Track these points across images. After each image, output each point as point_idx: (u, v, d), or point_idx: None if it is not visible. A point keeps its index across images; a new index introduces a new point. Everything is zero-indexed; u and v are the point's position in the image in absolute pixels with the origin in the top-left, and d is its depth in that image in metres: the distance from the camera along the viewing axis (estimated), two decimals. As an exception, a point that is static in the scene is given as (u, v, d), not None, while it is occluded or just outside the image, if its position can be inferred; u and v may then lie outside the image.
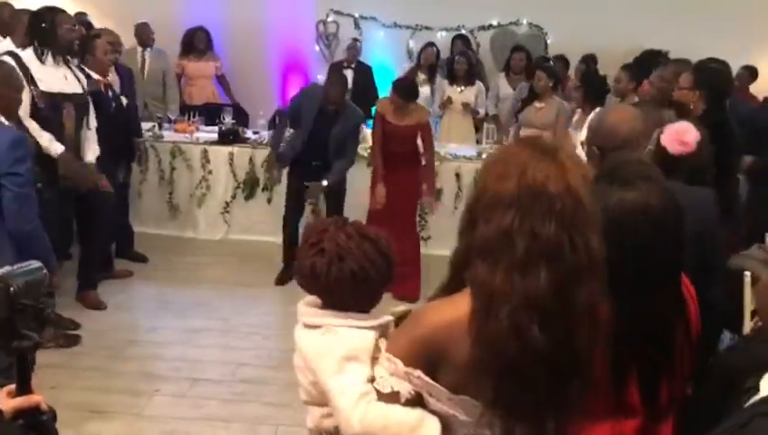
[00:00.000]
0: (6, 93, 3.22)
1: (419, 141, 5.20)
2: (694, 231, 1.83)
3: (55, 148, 4.12)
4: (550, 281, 1.27)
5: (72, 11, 7.14)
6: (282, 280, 5.18)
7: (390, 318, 1.56)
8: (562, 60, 7.12)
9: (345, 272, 1.51)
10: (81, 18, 6.83)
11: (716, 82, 3.73)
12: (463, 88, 6.73)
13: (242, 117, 6.77)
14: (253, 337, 4.39)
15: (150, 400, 3.64)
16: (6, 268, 1.20)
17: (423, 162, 5.19)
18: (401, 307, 1.63)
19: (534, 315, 1.27)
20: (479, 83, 6.89)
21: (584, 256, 1.29)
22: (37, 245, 3.03)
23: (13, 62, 3.80)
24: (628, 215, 1.60)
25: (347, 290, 1.53)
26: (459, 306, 1.33)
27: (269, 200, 6.05)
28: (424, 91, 6.80)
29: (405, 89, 4.97)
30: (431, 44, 7.10)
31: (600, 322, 1.36)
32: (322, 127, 4.95)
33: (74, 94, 4.22)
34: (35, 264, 1.25)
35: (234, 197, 6.14)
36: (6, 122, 3.12)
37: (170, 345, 4.27)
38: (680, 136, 2.46)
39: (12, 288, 1.18)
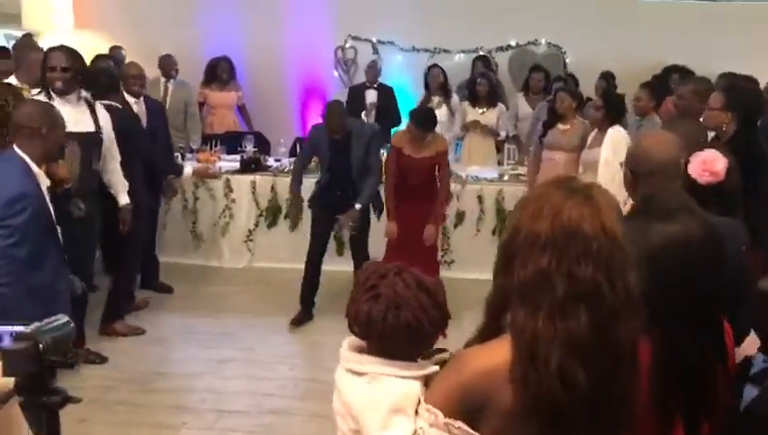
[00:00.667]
0: (52, 135, 3.22)
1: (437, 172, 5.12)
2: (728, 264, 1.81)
3: (124, 198, 4.50)
4: (590, 322, 1.27)
5: (105, 46, 7.37)
6: (299, 321, 5.01)
7: (436, 368, 1.53)
8: (572, 78, 7.13)
9: (401, 321, 1.49)
10: (114, 53, 6.99)
11: (748, 102, 3.68)
12: (485, 109, 6.72)
13: (263, 144, 6.82)
14: (278, 367, 4.38)
15: (178, 433, 3.64)
16: (35, 324, 1.22)
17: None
18: (445, 353, 1.61)
19: (578, 357, 1.27)
20: (501, 105, 6.87)
21: (623, 295, 1.29)
22: (2, 302, 2.94)
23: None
24: (671, 248, 1.58)
25: (400, 339, 1.51)
26: (498, 352, 1.32)
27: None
28: (441, 112, 6.83)
29: (422, 119, 4.89)
30: (434, 66, 7.09)
31: (639, 358, 1.35)
32: (340, 155, 4.93)
33: (81, 133, 4.13)
34: (63, 319, 1.26)
35: (256, 225, 6.17)
36: (33, 167, 3.13)
37: (197, 377, 4.28)
38: (709, 166, 2.42)
39: (41, 345, 1.19)
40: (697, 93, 4.06)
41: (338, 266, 5.43)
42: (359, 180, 4.96)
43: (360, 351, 1.56)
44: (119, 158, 4.51)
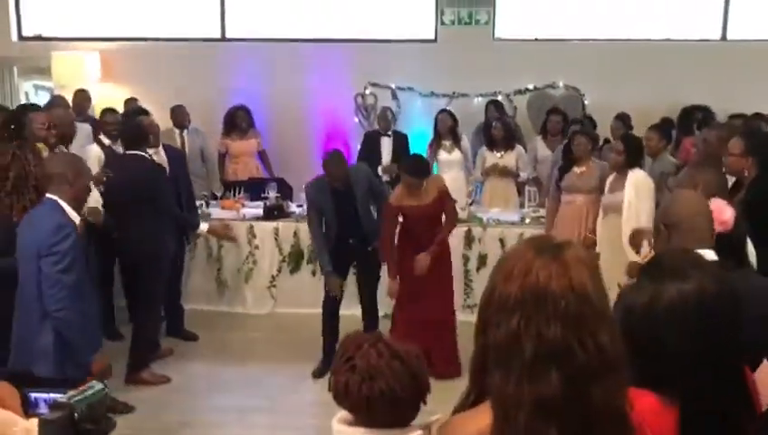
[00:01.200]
0: (80, 181, 3.37)
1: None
2: (760, 315, 1.82)
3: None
4: (561, 383, 1.25)
5: (122, 97, 7.58)
6: (321, 372, 4.92)
7: (419, 432, 1.57)
8: (590, 120, 7.17)
9: (375, 391, 1.54)
10: (131, 104, 7.17)
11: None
12: (503, 153, 6.77)
13: (285, 190, 6.90)
14: (300, 416, 4.38)
15: (203, 485, 3.65)
16: (70, 393, 1.26)
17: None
18: (434, 417, 1.63)
19: (551, 419, 1.26)
20: (519, 147, 6.90)
21: (595, 354, 1.27)
22: (64, 328, 3.17)
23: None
24: (690, 306, 1.59)
25: (377, 408, 1.55)
26: (483, 417, 1.32)
27: (314, 272, 6.10)
28: (454, 156, 6.89)
29: (415, 167, 4.83)
30: (443, 111, 7.14)
31: (625, 421, 1.32)
32: (343, 202, 4.89)
33: None
34: (97, 386, 1.30)
35: (279, 270, 6.22)
36: (66, 207, 3.27)
37: (221, 427, 4.30)
38: (717, 216, 2.44)
39: (76, 413, 1.23)
40: (723, 140, 4.05)
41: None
42: (365, 220, 4.96)
43: (349, 423, 1.61)
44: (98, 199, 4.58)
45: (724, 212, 2.48)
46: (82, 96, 7.16)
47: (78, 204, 3.40)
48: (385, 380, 1.54)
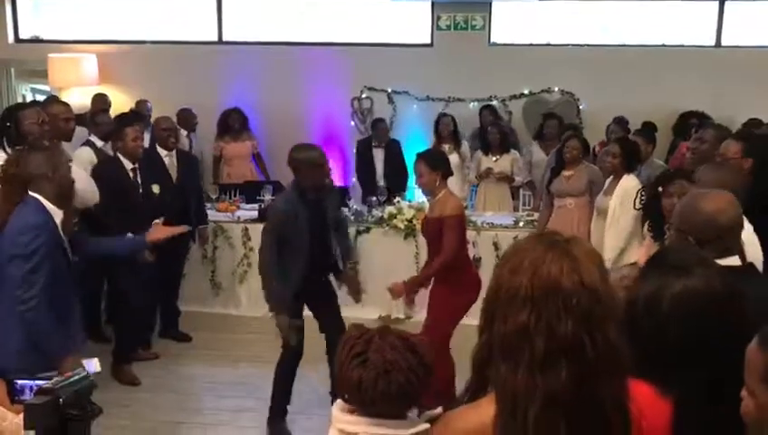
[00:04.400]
0: (57, 176, 3.23)
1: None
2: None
3: None
4: (571, 377, 1.26)
5: (119, 99, 7.60)
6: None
7: (426, 426, 1.56)
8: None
9: (392, 385, 1.51)
10: (142, 106, 7.19)
11: (767, 149, 3.72)
12: (498, 157, 6.80)
13: (281, 193, 6.90)
14: (294, 417, 4.38)
15: (195, 484, 3.65)
16: (56, 379, 1.27)
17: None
18: (437, 410, 1.62)
19: (560, 413, 1.27)
20: (514, 151, 6.95)
21: (604, 351, 1.29)
22: (32, 329, 3.09)
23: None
24: (695, 302, 1.60)
25: (392, 402, 1.53)
26: (484, 411, 1.33)
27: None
28: (452, 159, 6.89)
29: (426, 152, 4.42)
30: (444, 115, 7.21)
31: (629, 416, 1.33)
32: (317, 219, 4.11)
33: None
34: (82, 373, 1.31)
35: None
36: (48, 205, 3.19)
37: (213, 427, 4.30)
38: None
39: (61, 399, 1.24)
40: (720, 139, 4.06)
41: (355, 314, 5.42)
42: (335, 243, 4.33)
43: (352, 411, 1.59)
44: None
45: None
46: (101, 100, 7.15)
47: (62, 200, 3.28)
48: (402, 373, 1.52)
